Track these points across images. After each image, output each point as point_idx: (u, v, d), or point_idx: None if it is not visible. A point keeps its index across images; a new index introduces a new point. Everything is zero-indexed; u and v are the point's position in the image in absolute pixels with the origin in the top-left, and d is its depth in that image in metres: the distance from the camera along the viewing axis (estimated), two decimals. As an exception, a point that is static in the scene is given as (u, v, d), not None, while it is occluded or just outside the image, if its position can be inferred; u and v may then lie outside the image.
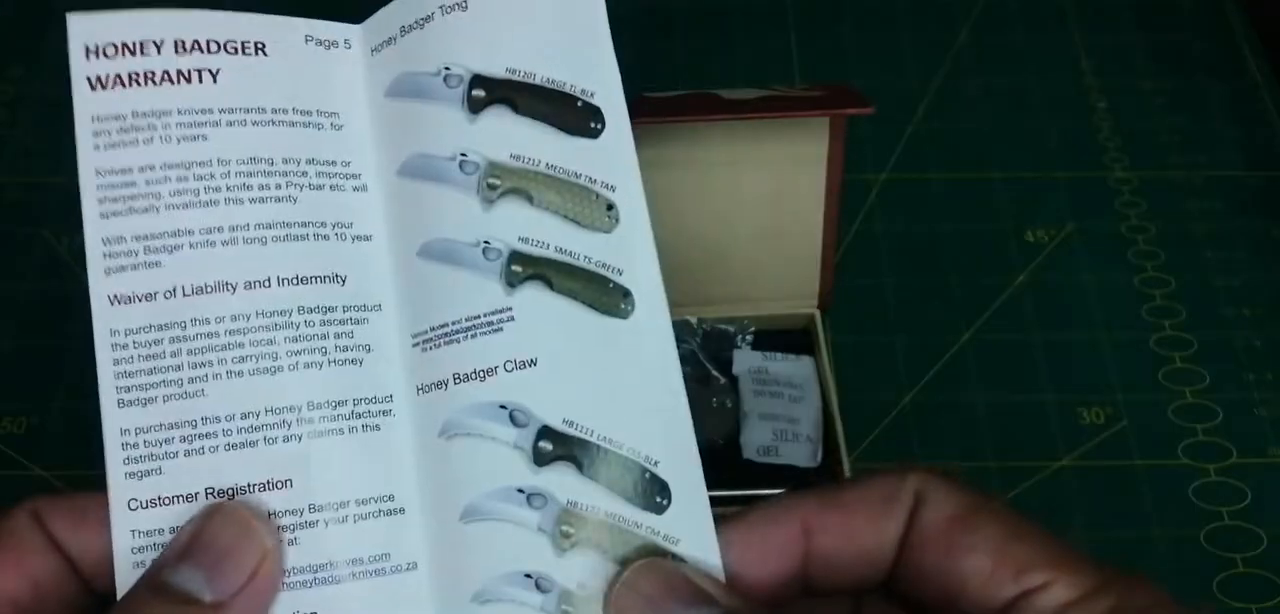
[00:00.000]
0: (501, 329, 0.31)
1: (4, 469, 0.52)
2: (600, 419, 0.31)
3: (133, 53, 0.31)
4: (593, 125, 0.32)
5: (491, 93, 0.32)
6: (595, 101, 0.32)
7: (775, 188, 0.50)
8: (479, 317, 0.32)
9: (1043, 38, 0.68)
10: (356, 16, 0.34)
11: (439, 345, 0.32)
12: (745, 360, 0.53)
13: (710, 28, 0.68)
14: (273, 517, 0.30)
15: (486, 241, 0.32)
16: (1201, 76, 0.67)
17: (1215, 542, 0.49)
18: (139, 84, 0.31)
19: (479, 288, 0.32)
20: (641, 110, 0.46)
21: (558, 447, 0.31)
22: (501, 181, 0.32)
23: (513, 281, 0.32)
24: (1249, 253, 0.59)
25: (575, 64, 0.32)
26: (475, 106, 0.32)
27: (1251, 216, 0.60)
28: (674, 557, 0.30)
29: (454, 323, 0.32)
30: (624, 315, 0.31)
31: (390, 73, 0.33)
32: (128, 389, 0.31)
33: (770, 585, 0.30)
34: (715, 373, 0.52)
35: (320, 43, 0.33)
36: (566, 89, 0.32)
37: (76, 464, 0.52)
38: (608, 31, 0.32)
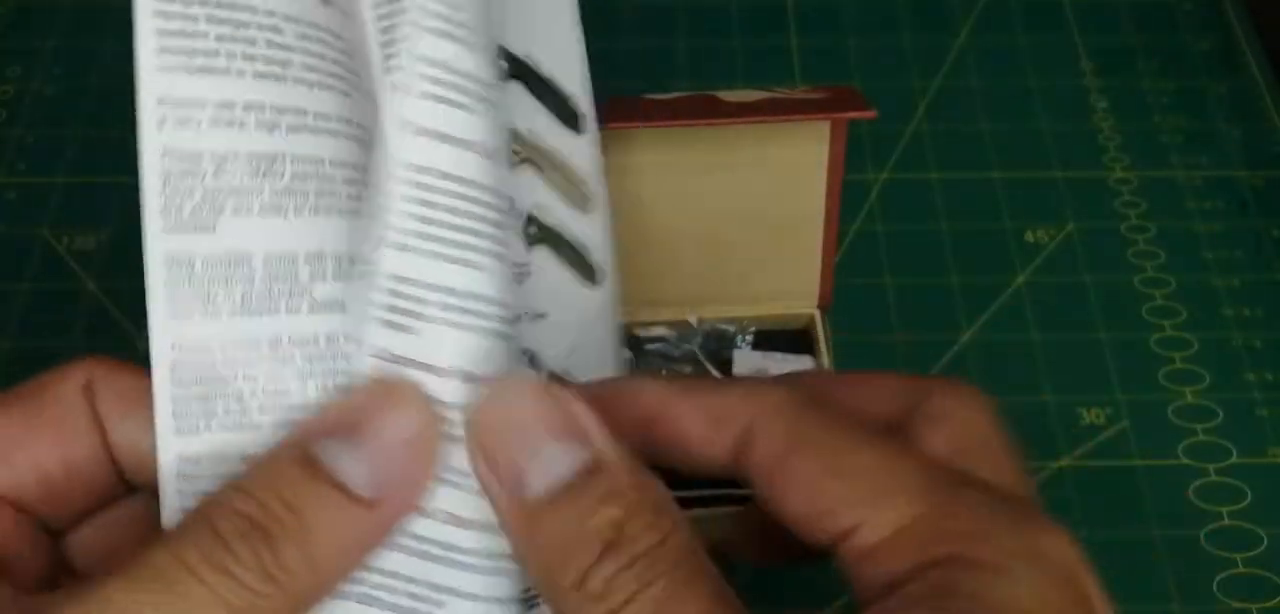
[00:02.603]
0: (521, 282, 0.35)
1: (4, 469, 0.52)
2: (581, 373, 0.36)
3: None
4: (578, 124, 0.37)
5: (512, 68, 0.35)
6: (580, 107, 0.37)
7: (775, 189, 0.50)
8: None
9: (1043, 38, 0.68)
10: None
11: None
12: (745, 360, 0.52)
13: (710, 28, 0.68)
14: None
15: (511, 200, 0.34)
16: (1201, 76, 0.66)
17: (1215, 542, 0.49)
18: None
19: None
20: (642, 113, 0.46)
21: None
22: (521, 151, 0.35)
23: (529, 242, 0.36)
24: (1249, 253, 0.59)
25: (562, 66, 0.36)
26: (501, 75, 0.35)
27: (1251, 216, 0.60)
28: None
29: None
30: (597, 285, 0.37)
31: None
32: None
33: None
34: (715, 373, 0.52)
35: None
36: (558, 87, 0.37)
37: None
38: (581, 33, 0.37)
